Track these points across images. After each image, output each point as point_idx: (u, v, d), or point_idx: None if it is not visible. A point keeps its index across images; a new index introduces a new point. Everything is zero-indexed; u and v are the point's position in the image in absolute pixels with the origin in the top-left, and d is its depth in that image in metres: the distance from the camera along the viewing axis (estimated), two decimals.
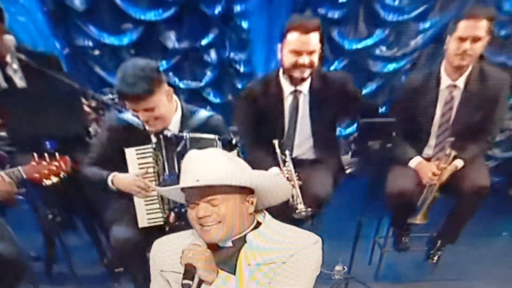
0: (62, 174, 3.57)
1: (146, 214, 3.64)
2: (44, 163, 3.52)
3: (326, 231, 3.85)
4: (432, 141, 4.26)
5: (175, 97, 3.63)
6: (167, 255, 2.37)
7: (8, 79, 4.32)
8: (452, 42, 3.93)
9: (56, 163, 3.54)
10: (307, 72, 3.91)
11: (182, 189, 2.25)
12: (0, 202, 3.73)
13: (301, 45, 3.84)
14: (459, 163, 4.04)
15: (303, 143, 4.24)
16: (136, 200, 3.64)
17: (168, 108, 3.51)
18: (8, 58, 4.24)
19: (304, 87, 4.03)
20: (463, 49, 3.86)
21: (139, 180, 3.50)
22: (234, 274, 2.26)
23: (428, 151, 4.28)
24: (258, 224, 2.35)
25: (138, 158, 3.57)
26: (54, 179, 3.57)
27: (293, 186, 3.73)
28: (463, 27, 3.86)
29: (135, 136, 3.59)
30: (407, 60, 6.48)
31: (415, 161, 4.20)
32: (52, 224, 4.46)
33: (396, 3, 6.24)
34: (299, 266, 2.26)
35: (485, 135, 4.21)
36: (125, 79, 3.23)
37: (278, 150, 4.07)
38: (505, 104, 4.29)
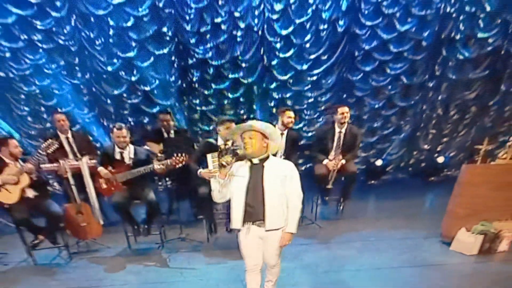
0: (184, 163, 3.73)
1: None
2: (178, 158, 3.68)
3: None
4: (332, 153, 4.47)
5: None
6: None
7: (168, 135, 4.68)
8: (336, 116, 4.39)
9: (183, 158, 3.68)
10: (290, 125, 4.29)
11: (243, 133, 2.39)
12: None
13: (291, 114, 4.22)
14: (343, 161, 4.37)
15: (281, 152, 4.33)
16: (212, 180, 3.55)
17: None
18: (171, 130, 4.70)
19: (285, 132, 4.27)
20: (342, 118, 4.36)
21: (209, 171, 3.57)
22: (262, 183, 2.35)
23: (331, 156, 4.45)
24: (268, 156, 2.43)
25: (212, 158, 3.65)
26: (181, 165, 3.71)
27: None
28: (340, 110, 4.38)
29: (213, 148, 3.70)
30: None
31: (325, 161, 4.42)
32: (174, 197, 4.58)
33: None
34: (294, 177, 2.40)
35: (353, 151, 4.47)
36: None
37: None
38: (359, 141, 4.58)
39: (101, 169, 3.82)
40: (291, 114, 4.26)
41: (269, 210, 2.36)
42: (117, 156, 3.85)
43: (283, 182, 2.37)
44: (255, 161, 2.40)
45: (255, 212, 2.37)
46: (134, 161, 3.84)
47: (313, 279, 3.28)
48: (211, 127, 5.96)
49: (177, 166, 3.71)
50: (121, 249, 3.98)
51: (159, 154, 4.35)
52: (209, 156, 3.62)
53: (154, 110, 5.77)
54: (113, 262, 3.72)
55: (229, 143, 3.64)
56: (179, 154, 3.70)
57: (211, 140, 3.84)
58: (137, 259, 3.74)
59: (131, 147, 3.89)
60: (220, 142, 3.73)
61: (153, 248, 3.97)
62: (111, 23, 5.21)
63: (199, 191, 3.81)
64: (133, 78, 5.62)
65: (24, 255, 3.75)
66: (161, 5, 5.15)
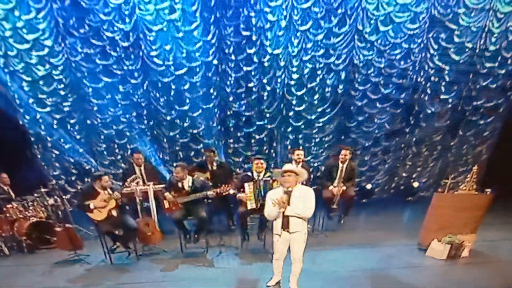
0: (228, 192, 4.07)
1: (250, 204, 4.01)
2: (226, 187, 4.05)
3: None
4: (336, 181, 4.77)
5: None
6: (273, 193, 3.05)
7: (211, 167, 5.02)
8: (340, 155, 4.73)
9: (229, 187, 4.06)
10: (300, 161, 4.46)
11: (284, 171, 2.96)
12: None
13: (300, 152, 4.53)
14: (344, 187, 4.69)
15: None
16: (248, 202, 4.02)
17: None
18: (214, 163, 4.99)
19: (300, 164, 4.45)
20: (343, 157, 4.70)
21: (245, 195, 3.93)
22: (289, 202, 2.94)
23: (335, 184, 4.75)
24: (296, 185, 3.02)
25: (248, 186, 3.94)
26: (226, 194, 4.09)
27: None
28: (342, 152, 4.72)
29: (249, 178, 4.06)
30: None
31: (331, 187, 4.73)
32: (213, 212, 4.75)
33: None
34: (310, 197, 2.98)
35: (351, 180, 4.81)
36: None
37: None
38: (356, 172, 4.95)
39: (167, 194, 4.18)
40: (300, 152, 4.49)
41: (292, 219, 2.97)
42: (179, 185, 4.21)
43: (303, 200, 2.97)
44: (289, 189, 3.02)
45: (286, 222, 2.99)
46: (191, 188, 4.16)
47: (323, 277, 3.54)
48: (240, 159, 6.55)
49: (223, 194, 4.08)
50: (175, 253, 4.23)
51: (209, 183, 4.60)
52: (246, 184, 4.00)
53: (199, 147, 6.35)
54: (171, 262, 3.98)
55: (261, 174, 4.11)
56: (226, 185, 4.04)
57: (249, 173, 4.25)
58: (189, 261, 4.01)
59: (189, 178, 4.22)
60: (255, 174, 4.15)
61: (199, 252, 4.20)
62: (173, 86, 6.05)
63: (237, 209, 4.19)
64: (185, 124, 6.31)
65: (102, 256, 4.06)
66: (210, 74, 6.01)
